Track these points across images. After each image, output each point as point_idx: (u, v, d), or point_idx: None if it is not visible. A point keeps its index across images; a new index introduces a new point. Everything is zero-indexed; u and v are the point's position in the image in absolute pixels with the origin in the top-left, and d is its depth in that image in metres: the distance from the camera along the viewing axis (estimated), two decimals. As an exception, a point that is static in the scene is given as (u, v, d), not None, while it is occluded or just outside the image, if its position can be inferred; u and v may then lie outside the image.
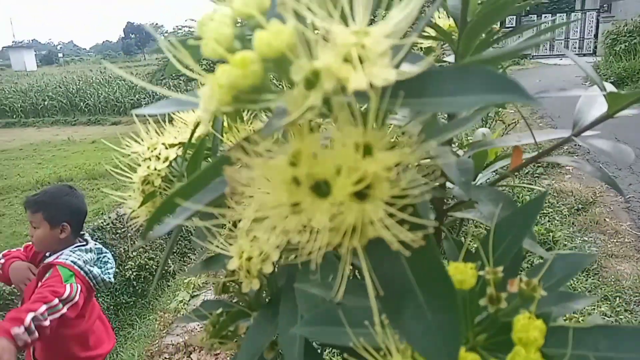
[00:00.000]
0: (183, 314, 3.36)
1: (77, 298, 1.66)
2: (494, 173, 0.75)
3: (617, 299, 2.91)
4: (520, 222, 0.42)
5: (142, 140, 0.61)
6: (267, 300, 0.54)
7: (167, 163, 0.59)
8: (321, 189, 0.25)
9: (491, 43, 0.70)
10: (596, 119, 0.51)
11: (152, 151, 0.61)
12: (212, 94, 0.25)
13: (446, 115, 0.68)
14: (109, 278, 1.85)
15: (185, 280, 3.75)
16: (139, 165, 0.62)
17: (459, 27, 0.63)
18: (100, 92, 14.01)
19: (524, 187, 4.01)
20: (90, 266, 1.79)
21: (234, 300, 0.56)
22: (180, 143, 0.61)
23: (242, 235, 0.44)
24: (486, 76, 0.24)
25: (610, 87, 0.49)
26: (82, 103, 13.88)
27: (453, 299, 0.27)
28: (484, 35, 0.63)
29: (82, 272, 1.73)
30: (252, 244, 0.44)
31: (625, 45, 10.20)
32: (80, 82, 15.33)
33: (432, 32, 0.72)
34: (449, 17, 0.77)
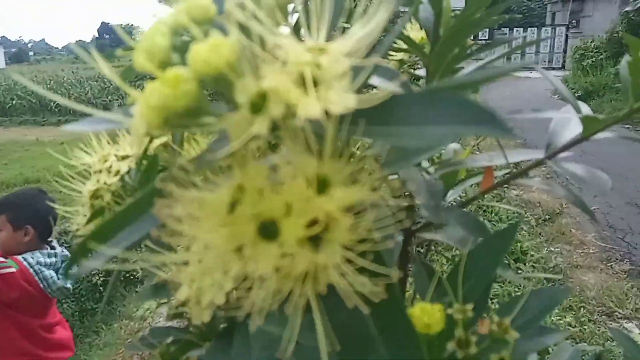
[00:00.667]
0: (150, 323, 3.27)
1: (7, 270, 1.62)
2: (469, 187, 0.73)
3: (582, 309, 2.95)
4: (492, 254, 0.39)
5: (93, 150, 0.57)
6: (222, 328, 0.50)
7: (118, 177, 0.54)
8: (268, 230, 0.22)
9: (464, 57, 0.68)
10: (570, 141, 0.49)
11: (103, 163, 0.56)
12: (142, 115, 0.21)
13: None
14: (65, 283, 1.78)
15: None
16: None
17: (431, 40, 0.60)
18: (71, 92, 13.66)
19: (494, 198, 4.06)
20: (43, 267, 1.72)
21: (187, 327, 0.52)
22: (134, 154, 0.56)
23: (192, 262, 0.40)
24: (459, 104, 0.21)
25: (585, 109, 0.47)
26: (52, 103, 13.50)
27: (418, 354, 0.24)
28: (456, 49, 0.60)
29: (31, 269, 1.67)
30: (203, 272, 0.40)
31: (592, 61, 10.51)
32: (51, 82, 14.92)
33: (403, 44, 0.70)
34: (421, 28, 0.75)
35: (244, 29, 0.21)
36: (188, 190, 0.22)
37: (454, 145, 0.80)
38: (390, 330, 0.25)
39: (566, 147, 0.49)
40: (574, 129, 0.51)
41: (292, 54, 0.20)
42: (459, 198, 0.72)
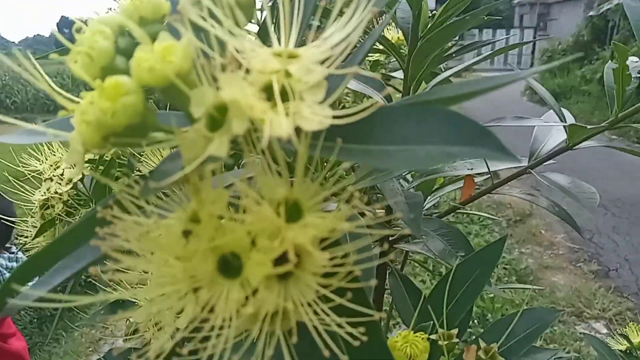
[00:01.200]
0: (112, 331, 3.17)
1: None
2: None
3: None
4: (479, 271, 0.37)
5: (44, 155, 0.52)
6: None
7: (70, 185, 0.50)
8: (230, 264, 0.19)
9: (442, 60, 0.66)
10: (554, 151, 0.47)
11: (54, 169, 0.52)
12: (78, 131, 0.18)
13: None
14: None
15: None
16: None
17: (408, 41, 0.58)
18: (28, 89, 13.24)
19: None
20: (4, 270, 1.65)
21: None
22: (88, 160, 0.52)
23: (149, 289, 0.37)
24: (451, 121, 0.18)
25: (570, 118, 0.45)
26: (7, 100, 13.07)
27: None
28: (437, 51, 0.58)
29: None
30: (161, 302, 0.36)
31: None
32: (7, 78, 14.37)
33: (379, 45, 0.68)
34: (397, 29, 0.72)
35: (200, 31, 0.18)
36: (132, 217, 0.18)
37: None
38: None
39: (550, 156, 0.47)
40: (557, 136, 0.49)
41: (256, 61, 0.17)
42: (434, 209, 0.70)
